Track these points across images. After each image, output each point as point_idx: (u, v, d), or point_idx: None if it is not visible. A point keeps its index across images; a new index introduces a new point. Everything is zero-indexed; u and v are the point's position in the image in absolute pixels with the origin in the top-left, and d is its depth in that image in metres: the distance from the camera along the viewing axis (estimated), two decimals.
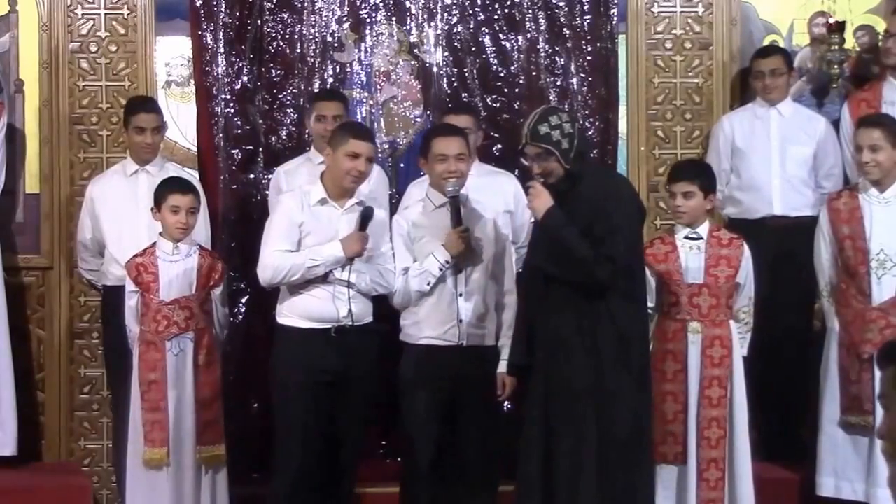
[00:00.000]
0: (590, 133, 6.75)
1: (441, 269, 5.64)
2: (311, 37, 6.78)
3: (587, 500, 5.17)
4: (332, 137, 5.70)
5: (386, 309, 5.80)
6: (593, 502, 5.17)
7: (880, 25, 7.07)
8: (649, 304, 5.89)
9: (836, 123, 6.82)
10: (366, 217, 5.59)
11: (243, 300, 6.57)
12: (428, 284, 5.66)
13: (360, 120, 6.84)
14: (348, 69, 6.89)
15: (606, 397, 5.21)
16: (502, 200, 6.13)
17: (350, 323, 5.56)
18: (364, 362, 5.63)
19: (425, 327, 5.69)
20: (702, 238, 5.84)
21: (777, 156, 6.73)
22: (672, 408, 5.76)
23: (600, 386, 5.21)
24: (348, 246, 5.52)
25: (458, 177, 5.68)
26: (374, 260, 5.65)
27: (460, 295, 5.66)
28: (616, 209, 5.25)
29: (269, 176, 6.59)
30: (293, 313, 5.61)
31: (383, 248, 5.72)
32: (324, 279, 5.54)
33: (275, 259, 5.53)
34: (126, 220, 6.30)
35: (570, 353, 5.25)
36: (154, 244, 5.89)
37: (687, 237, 5.85)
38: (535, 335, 5.41)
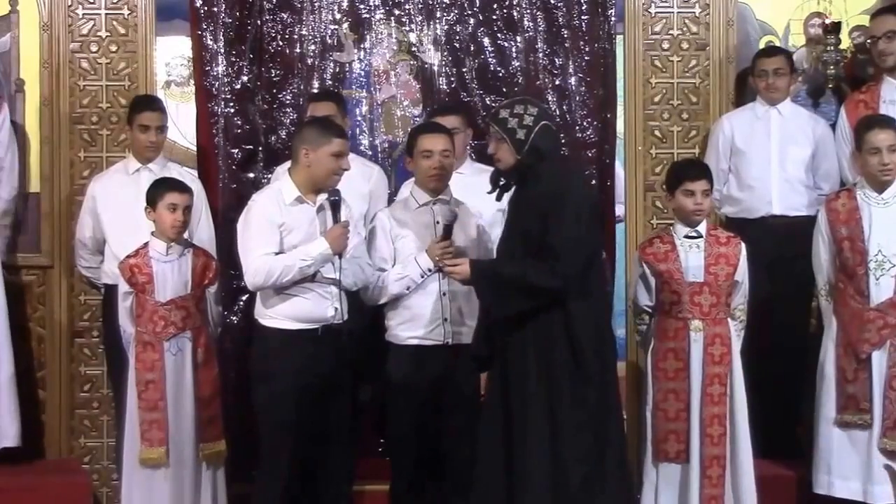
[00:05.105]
0: (588, 133, 6.78)
1: (423, 277, 5.67)
2: (310, 37, 6.80)
3: (540, 499, 5.14)
4: (306, 135, 5.61)
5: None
6: (546, 500, 5.13)
7: None
8: (648, 303, 5.95)
9: (833, 125, 6.84)
10: (335, 205, 5.55)
11: (243, 298, 6.59)
12: (408, 289, 5.70)
13: (359, 120, 6.87)
14: (348, 69, 6.91)
15: (560, 400, 5.15)
16: (495, 199, 6.13)
17: (336, 322, 5.56)
18: (350, 361, 5.63)
19: (412, 327, 5.72)
20: (701, 236, 5.87)
21: (777, 156, 6.75)
22: (674, 406, 5.80)
23: (554, 387, 5.16)
24: (334, 240, 5.48)
25: (441, 174, 5.70)
26: (352, 254, 5.62)
27: (444, 294, 5.69)
28: (564, 205, 5.16)
29: (269, 175, 6.59)
30: (279, 314, 5.57)
31: (356, 240, 5.67)
32: (311, 278, 5.52)
33: (264, 263, 5.46)
34: (127, 219, 6.28)
35: (523, 354, 5.21)
36: (146, 244, 5.90)
37: (687, 236, 5.88)
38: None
